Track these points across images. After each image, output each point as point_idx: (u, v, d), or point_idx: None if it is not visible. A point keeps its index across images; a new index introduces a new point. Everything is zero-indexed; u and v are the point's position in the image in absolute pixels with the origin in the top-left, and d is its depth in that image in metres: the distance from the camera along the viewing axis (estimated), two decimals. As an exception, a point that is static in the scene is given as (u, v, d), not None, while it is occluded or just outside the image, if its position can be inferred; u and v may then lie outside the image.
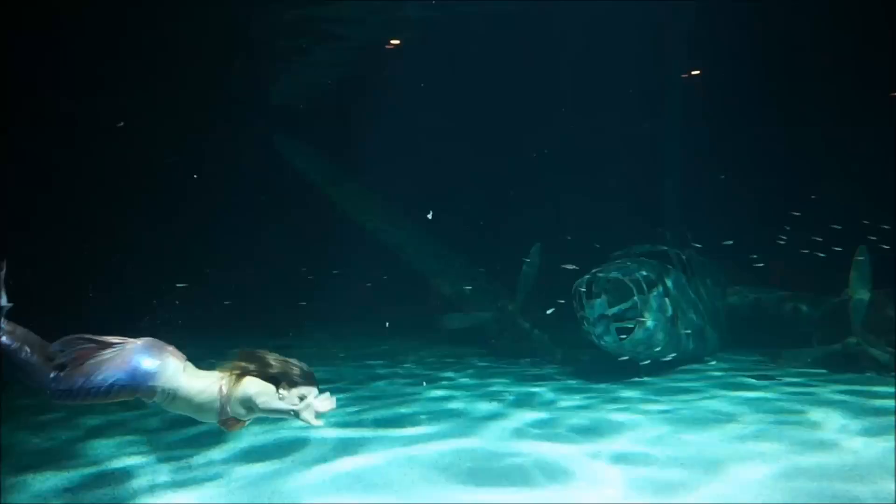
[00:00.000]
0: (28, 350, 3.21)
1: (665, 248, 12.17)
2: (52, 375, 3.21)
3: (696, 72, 16.84)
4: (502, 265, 14.16)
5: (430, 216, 13.89)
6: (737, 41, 14.98)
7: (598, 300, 9.87)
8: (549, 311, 10.86)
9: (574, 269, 10.24)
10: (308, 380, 3.44)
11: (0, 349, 3.17)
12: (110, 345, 3.32)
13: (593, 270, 10.24)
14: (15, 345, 3.19)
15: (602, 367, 10.49)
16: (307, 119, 17.83)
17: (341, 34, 15.13)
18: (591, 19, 14.11)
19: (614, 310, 9.89)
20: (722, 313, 12.87)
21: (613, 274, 10.08)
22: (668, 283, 10.95)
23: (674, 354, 10.55)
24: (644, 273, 10.40)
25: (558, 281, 10.90)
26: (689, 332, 11.06)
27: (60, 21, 12.04)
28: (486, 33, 15.03)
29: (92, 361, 3.23)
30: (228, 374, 3.42)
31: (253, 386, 3.34)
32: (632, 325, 9.94)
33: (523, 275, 12.76)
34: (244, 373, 3.42)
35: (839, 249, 10.54)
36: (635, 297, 9.95)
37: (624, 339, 9.89)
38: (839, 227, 11.14)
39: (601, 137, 16.62)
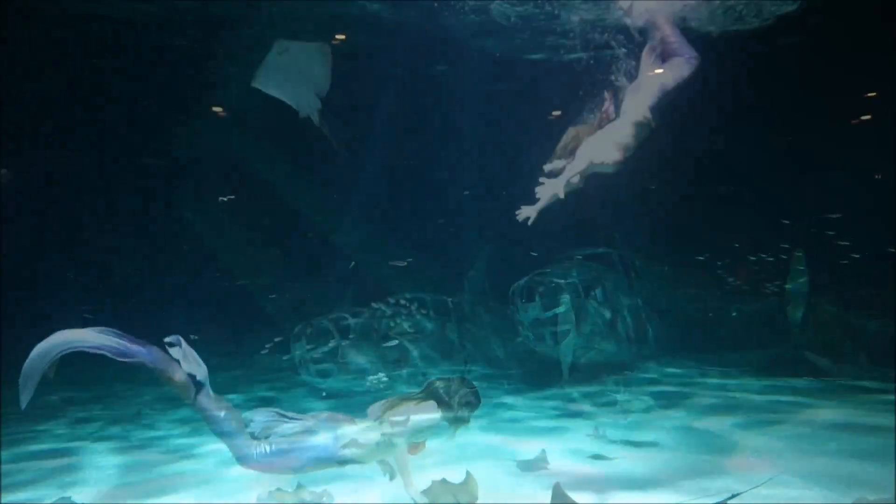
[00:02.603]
0: (231, 419, 3.62)
1: (607, 250, 12.05)
2: (256, 450, 3.63)
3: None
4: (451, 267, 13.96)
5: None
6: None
7: (533, 304, 9.75)
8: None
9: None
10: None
11: (209, 417, 3.62)
12: (298, 420, 3.77)
13: (531, 274, 10.10)
14: (221, 414, 3.59)
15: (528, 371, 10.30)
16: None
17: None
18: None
19: (549, 314, 9.76)
20: (664, 316, 12.73)
21: (549, 278, 9.95)
22: (608, 286, 10.85)
23: (609, 357, 10.43)
24: (582, 277, 10.29)
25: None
26: (627, 335, 10.94)
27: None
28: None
29: (292, 439, 3.67)
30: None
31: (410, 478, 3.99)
32: (566, 329, 9.80)
33: (469, 279, 12.60)
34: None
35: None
36: (570, 301, 9.81)
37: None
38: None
39: (549, 137, 16.40)
